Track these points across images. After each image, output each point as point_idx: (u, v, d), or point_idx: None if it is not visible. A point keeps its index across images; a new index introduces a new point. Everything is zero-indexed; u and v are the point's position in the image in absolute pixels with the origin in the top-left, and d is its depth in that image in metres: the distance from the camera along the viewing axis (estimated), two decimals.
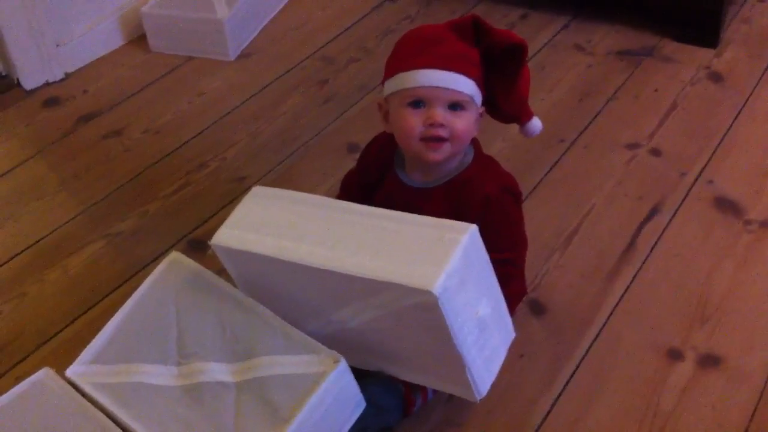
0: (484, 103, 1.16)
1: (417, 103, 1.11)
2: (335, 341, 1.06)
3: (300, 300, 1.09)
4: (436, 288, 0.93)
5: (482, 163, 1.19)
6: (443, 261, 0.95)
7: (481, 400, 1.08)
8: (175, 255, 1.20)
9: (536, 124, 1.19)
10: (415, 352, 1.07)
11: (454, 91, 1.10)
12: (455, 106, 1.11)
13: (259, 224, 1.09)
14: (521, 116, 1.18)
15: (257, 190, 1.14)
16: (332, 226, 1.05)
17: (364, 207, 1.07)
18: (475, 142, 1.19)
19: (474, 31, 1.11)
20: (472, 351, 1.02)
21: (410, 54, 1.12)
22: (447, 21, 1.14)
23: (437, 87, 1.09)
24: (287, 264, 1.03)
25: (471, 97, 1.11)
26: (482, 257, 1.03)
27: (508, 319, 1.10)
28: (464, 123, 1.11)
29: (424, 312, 0.96)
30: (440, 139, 1.12)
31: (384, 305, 1.00)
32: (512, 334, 1.11)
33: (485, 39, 1.11)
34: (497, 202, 1.14)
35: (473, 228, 0.99)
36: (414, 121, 1.11)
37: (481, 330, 1.03)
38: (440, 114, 1.10)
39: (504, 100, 1.15)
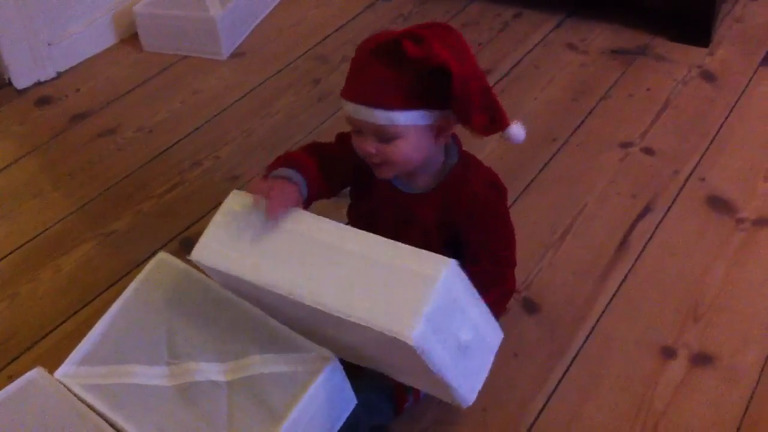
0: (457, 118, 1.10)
1: (356, 130, 1.10)
2: (324, 341, 1.06)
3: (283, 311, 1.09)
4: (414, 336, 0.91)
5: (465, 162, 1.16)
6: (421, 304, 0.93)
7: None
8: (162, 255, 1.20)
9: (516, 131, 1.11)
10: (403, 365, 1.06)
11: (374, 124, 1.06)
12: (383, 137, 1.07)
13: (238, 239, 1.06)
14: (494, 128, 1.10)
15: (236, 196, 1.10)
16: (312, 250, 1.02)
17: (341, 227, 1.05)
18: (456, 140, 1.17)
19: (396, 52, 1.03)
20: (456, 374, 1.01)
21: (347, 80, 1.09)
22: (384, 34, 1.07)
23: (363, 120, 1.07)
24: (266, 289, 1.03)
25: (398, 126, 1.05)
26: (463, 287, 1.00)
27: (495, 324, 1.08)
28: (398, 151, 1.07)
29: (404, 348, 0.95)
30: (378, 164, 1.10)
31: (364, 336, 0.99)
32: (500, 336, 1.08)
33: (411, 62, 1.02)
34: (485, 199, 1.13)
35: (452, 263, 0.97)
36: (356, 145, 1.10)
37: (464, 353, 1.01)
38: (369, 145, 1.08)
39: (464, 119, 1.08)
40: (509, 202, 1.47)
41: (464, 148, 1.18)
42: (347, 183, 1.20)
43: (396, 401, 1.15)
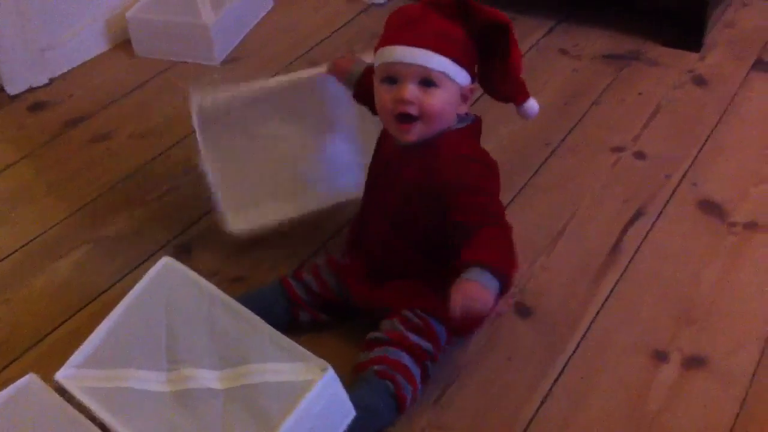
0: (480, 83, 1.19)
1: (390, 80, 1.14)
2: None
3: None
4: None
5: (464, 134, 1.19)
6: None
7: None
8: (166, 260, 1.20)
9: (532, 105, 1.21)
10: None
11: (423, 67, 1.11)
12: (427, 82, 1.12)
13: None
14: (517, 96, 1.20)
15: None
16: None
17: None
18: (474, 122, 1.21)
19: (456, 8, 1.13)
20: None
21: (390, 31, 1.16)
22: None
23: (408, 63, 1.11)
24: None
25: (444, 74, 1.12)
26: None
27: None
28: (436, 100, 1.12)
29: None
30: (410, 118, 1.13)
31: None
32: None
33: (469, 17, 1.13)
34: (466, 166, 1.16)
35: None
36: (386, 97, 1.14)
37: None
38: (408, 90, 1.12)
39: (497, 79, 1.19)
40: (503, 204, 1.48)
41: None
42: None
43: (397, 401, 1.15)
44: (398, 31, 1.14)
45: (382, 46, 1.15)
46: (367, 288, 1.25)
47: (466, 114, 1.21)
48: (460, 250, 1.10)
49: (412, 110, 1.13)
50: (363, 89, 1.30)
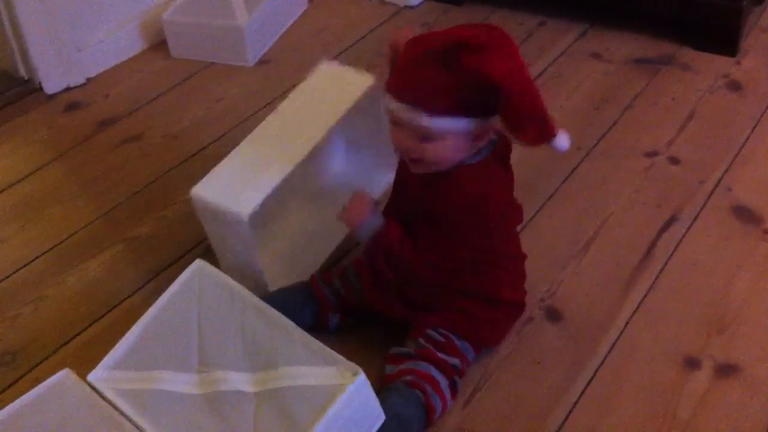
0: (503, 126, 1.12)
1: (395, 122, 1.12)
2: None
3: None
4: None
5: (481, 166, 1.15)
6: None
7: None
8: (199, 263, 1.21)
9: (561, 142, 1.11)
10: None
11: (417, 125, 1.09)
12: (425, 136, 1.09)
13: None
14: (542, 139, 1.10)
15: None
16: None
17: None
18: (500, 142, 1.17)
19: (450, 60, 1.04)
20: None
21: (394, 75, 1.12)
22: (438, 35, 1.09)
23: (404, 118, 1.09)
24: None
25: (440, 130, 1.08)
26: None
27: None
28: (434, 151, 1.11)
29: None
30: (415, 158, 1.13)
31: None
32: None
33: (457, 70, 1.04)
34: (474, 205, 1.14)
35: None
36: (394, 137, 1.14)
37: None
38: (407, 141, 1.11)
39: (514, 132, 1.09)
40: (532, 212, 1.48)
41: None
42: None
43: (427, 412, 1.15)
44: (394, 78, 1.11)
45: (385, 89, 1.12)
46: (381, 295, 1.25)
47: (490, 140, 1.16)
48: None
49: (414, 155, 1.13)
50: None
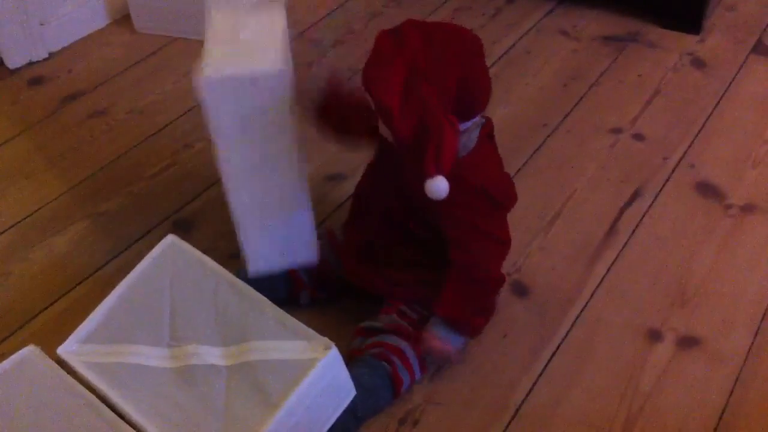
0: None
1: None
2: None
3: None
4: None
5: (477, 155, 1.14)
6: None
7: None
8: (171, 238, 1.21)
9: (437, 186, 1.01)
10: None
11: None
12: None
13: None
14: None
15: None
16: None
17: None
18: (485, 128, 1.16)
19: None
20: None
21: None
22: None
23: None
24: None
25: None
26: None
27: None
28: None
29: None
30: None
31: None
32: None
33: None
34: (469, 201, 1.12)
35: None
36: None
37: None
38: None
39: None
40: None
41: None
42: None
43: (393, 384, 1.16)
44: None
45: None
46: (360, 268, 1.25)
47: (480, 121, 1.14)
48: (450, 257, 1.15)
49: None
50: None
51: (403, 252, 1.22)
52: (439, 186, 0.99)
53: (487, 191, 1.14)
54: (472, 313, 1.18)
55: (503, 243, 1.18)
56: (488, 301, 1.21)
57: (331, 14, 2.07)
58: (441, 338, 1.17)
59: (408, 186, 1.16)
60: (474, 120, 1.10)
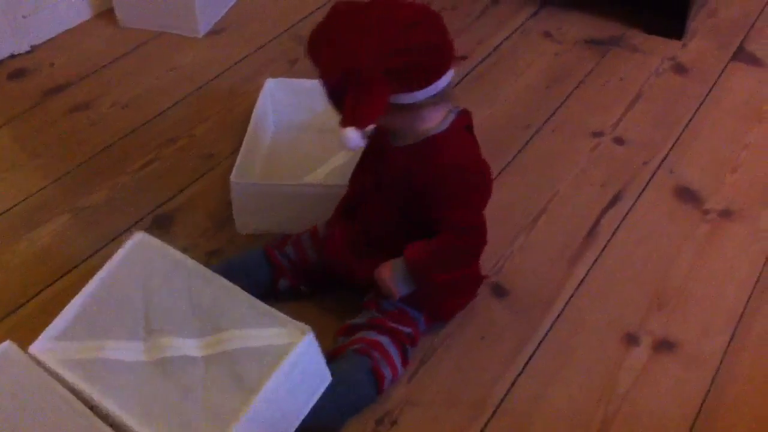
0: None
1: None
2: None
3: None
4: None
5: (451, 137, 1.17)
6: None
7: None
8: (140, 235, 1.20)
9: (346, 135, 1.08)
10: None
11: None
12: None
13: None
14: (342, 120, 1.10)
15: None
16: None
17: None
18: (460, 118, 1.19)
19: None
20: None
21: None
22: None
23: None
24: None
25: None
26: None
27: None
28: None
29: None
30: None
31: None
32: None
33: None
34: (447, 178, 1.15)
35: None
36: None
37: None
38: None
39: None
40: None
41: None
42: None
43: (376, 378, 1.17)
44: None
45: None
46: (346, 257, 1.26)
47: (452, 111, 1.18)
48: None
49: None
50: None
51: (384, 241, 1.23)
52: (348, 137, 1.06)
53: (461, 168, 1.15)
54: (436, 268, 1.18)
55: (478, 227, 1.19)
56: (456, 262, 1.20)
57: (318, 11, 2.07)
58: (395, 276, 1.18)
59: (385, 173, 1.19)
60: (428, 94, 1.11)
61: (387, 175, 1.20)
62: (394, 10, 1.10)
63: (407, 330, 1.22)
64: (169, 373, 1.07)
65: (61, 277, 1.39)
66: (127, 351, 1.10)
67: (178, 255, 1.17)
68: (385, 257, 1.21)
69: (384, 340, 1.19)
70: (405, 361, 1.21)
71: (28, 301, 1.35)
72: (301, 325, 1.06)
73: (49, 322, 1.14)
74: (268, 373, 1.02)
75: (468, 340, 1.28)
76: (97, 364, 1.09)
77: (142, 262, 1.18)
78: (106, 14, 2.05)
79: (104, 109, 1.76)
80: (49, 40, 1.97)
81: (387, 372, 1.18)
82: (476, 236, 1.19)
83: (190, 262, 1.16)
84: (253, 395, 1.01)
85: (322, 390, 1.10)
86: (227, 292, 1.12)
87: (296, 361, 1.04)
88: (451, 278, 1.22)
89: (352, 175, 1.29)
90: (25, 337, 1.14)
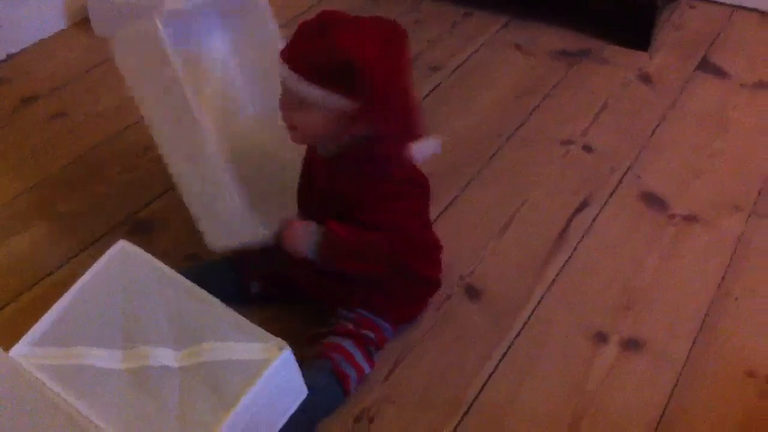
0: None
1: (281, 85, 1.15)
2: None
3: None
4: None
5: (375, 149, 1.17)
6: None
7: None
8: (122, 243, 1.21)
9: (425, 147, 1.17)
10: None
11: (292, 89, 1.12)
12: (299, 101, 1.12)
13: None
14: (405, 136, 1.15)
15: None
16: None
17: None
18: (380, 147, 1.16)
19: (324, 30, 1.10)
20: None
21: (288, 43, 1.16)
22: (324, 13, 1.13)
23: (282, 80, 1.13)
24: None
25: (312, 99, 1.11)
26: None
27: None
28: (303, 119, 1.14)
29: None
30: (289, 127, 1.17)
31: None
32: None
33: (331, 41, 1.09)
34: (365, 185, 1.16)
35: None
36: (279, 101, 1.17)
37: None
38: (283, 106, 1.16)
39: (378, 116, 1.13)
40: (452, 196, 1.53)
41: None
42: None
43: (338, 378, 1.19)
44: (287, 44, 1.14)
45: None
46: (301, 273, 1.27)
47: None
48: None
49: (287, 122, 1.17)
50: None
51: None
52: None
53: (378, 176, 1.17)
54: (347, 251, 1.18)
55: (404, 228, 1.20)
56: (367, 258, 1.19)
57: (306, 12, 2.09)
58: (307, 234, 1.17)
59: (317, 184, 1.21)
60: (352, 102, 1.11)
61: (317, 188, 1.22)
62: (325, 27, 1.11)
63: (371, 335, 1.24)
64: (145, 383, 1.07)
65: (37, 283, 1.39)
66: (105, 359, 1.11)
67: (158, 264, 1.18)
68: (335, 285, 1.24)
69: (346, 343, 1.21)
70: (370, 361, 1.23)
71: (4, 307, 1.35)
72: (278, 340, 1.06)
73: (27, 328, 1.15)
74: (245, 388, 1.02)
75: (443, 340, 1.31)
76: (75, 370, 1.10)
77: (123, 270, 1.18)
78: (81, 23, 2.07)
79: (80, 117, 1.77)
80: (25, 49, 1.98)
81: (349, 371, 1.20)
82: (402, 241, 1.20)
83: (171, 272, 1.17)
84: (230, 409, 1.01)
85: (298, 403, 1.10)
86: (207, 304, 1.12)
87: (273, 377, 1.04)
88: (355, 271, 1.21)
89: (298, 185, 1.30)
90: (3, 343, 1.14)
